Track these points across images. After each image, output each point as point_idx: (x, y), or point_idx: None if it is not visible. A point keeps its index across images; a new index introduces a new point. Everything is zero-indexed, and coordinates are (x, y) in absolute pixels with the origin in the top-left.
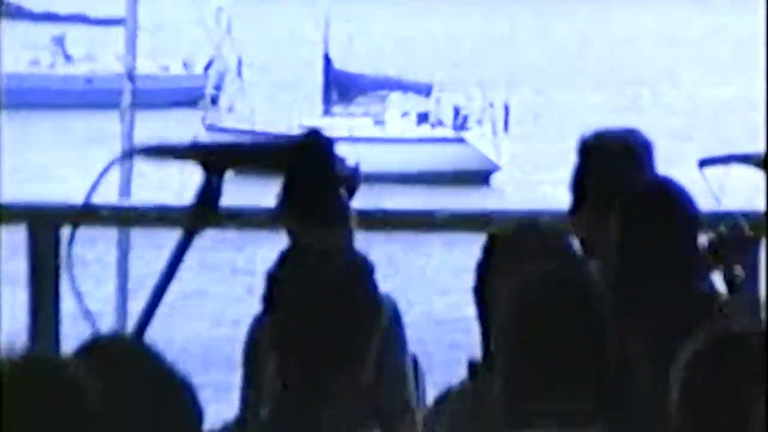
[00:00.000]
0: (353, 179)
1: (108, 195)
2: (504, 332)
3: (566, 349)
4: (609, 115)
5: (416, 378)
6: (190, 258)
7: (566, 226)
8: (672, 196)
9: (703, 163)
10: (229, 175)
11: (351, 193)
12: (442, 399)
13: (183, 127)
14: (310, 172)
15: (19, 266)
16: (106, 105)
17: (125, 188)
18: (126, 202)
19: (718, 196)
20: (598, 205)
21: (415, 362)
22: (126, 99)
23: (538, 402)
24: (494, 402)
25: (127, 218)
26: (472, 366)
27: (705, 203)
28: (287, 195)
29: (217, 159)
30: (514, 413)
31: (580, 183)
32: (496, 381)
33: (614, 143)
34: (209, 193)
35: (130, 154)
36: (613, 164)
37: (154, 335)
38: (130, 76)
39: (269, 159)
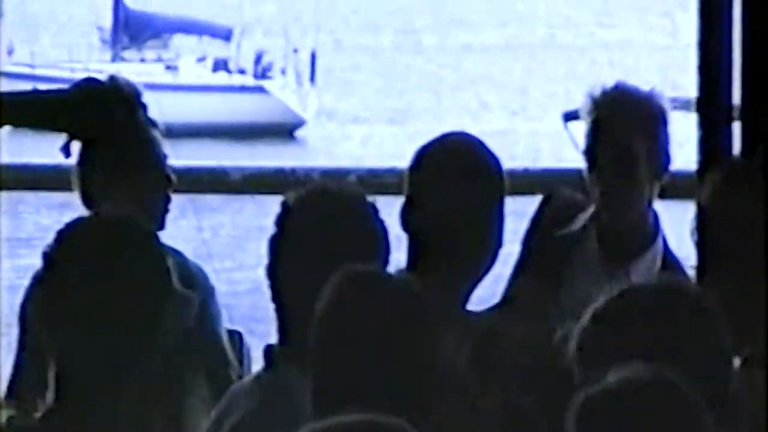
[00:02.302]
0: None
1: None
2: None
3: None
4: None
5: (240, 353)
6: None
7: (374, 187)
8: None
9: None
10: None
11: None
12: (236, 390)
13: None
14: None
15: None
16: None
17: None
18: None
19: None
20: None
21: (240, 337)
22: None
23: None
24: (295, 392)
25: None
26: (270, 352)
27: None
28: (84, 152)
29: None
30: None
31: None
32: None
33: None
34: None
35: None
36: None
37: None
38: None
39: (44, 112)
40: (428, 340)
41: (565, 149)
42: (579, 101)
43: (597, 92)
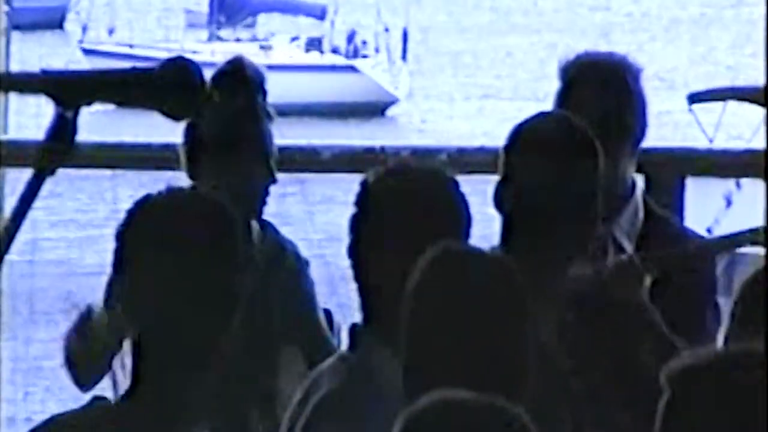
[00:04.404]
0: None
1: None
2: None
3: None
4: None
5: (330, 332)
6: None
7: (464, 166)
8: None
9: (693, 97)
10: (102, 107)
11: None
12: (321, 369)
13: (57, 50)
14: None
15: None
16: None
17: (1, 123)
18: None
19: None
20: None
21: (330, 316)
22: (2, 21)
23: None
24: (380, 372)
25: None
26: (355, 332)
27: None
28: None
29: (68, 90)
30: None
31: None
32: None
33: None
34: (62, 129)
35: None
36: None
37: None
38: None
39: (135, 89)
40: (522, 318)
41: (689, 130)
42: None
43: (569, 58)
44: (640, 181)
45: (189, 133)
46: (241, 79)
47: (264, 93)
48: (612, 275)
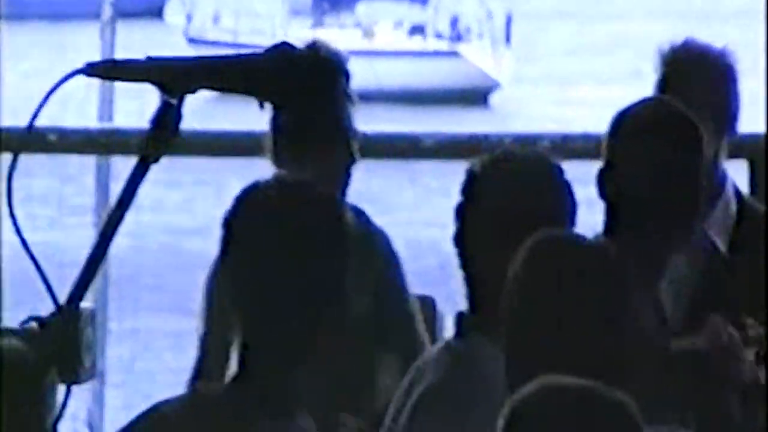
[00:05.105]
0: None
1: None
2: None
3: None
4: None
5: (434, 323)
6: None
7: (567, 152)
8: None
9: None
10: (206, 95)
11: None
12: (426, 359)
13: (159, 39)
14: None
15: None
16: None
17: (106, 111)
18: (94, 127)
19: None
20: None
21: (433, 304)
22: (107, 11)
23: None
24: (485, 361)
25: (76, 144)
26: (461, 320)
27: None
28: (275, 118)
29: (174, 78)
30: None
31: None
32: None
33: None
34: (167, 116)
35: (75, 73)
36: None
37: None
38: None
39: (238, 77)
40: (624, 306)
41: None
42: None
43: (671, 45)
44: (744, 167)
45: (274, 119)
46: (319, 63)
47: (346, 76)
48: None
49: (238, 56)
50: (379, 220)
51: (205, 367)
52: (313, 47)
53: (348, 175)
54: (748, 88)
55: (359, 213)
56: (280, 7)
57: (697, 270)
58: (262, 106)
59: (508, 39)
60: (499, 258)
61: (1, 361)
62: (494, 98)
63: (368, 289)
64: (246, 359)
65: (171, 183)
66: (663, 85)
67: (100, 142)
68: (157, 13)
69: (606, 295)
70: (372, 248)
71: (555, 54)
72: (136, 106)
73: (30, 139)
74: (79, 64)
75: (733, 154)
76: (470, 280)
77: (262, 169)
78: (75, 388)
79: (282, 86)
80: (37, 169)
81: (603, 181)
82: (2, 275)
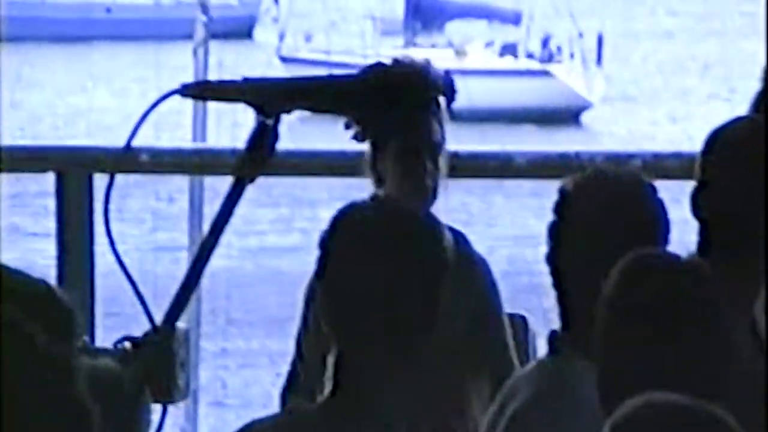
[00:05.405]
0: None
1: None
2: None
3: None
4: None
5: (526, 341)
6: None
7: (658, 171)
8: None
9: None
10: (298, 116)
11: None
12: (519, 377)
13: (250, 58)
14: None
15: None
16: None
17: (200, 131)
18: (187, 147)
19: None
20: None
21: (525, 323)
22: (200, 32)
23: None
24: (579, 380)
25: (168, 165)
26: (554, 338)
27: None
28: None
29: (269, 98)
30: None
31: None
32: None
33: None
34: (263, 137)
35: (171, 93)
36: None
37: None
38: (204, 7)
39: (334, 97)
40: (718, 326)
41: None
42: None
43: (766, 66)
44: None
45: (371, 139)
46: (414, 82)
47: (440, 93)
48: None
49: (334, 77)
50: (472, 237)
51: (298, 386)
52: (410, 66)
53: (435, 194)
54: None
55: (459, 236)
56: (372, 27)
57: None
58: (348, 126)
59: (599, 58)
60: (591, 277)
61: (97, 381)
62: (585, 117)
63: (466, 313)
64: (341, 377)
65: (265, 202)
66: (760, 103)
67: (192, 163)
68: (247, 33)
69: (700, 314)
70: (471, 273)
71: (647, 73)
72: (227, 126)
73: (124, 160)
74: (174, 85)
75: None
76: (563, 298)
77: (357, 188)
78: (169, 408)
79: (377, 106)
80: (131, 189)
81: (697, 200)
82: (95, 294)
